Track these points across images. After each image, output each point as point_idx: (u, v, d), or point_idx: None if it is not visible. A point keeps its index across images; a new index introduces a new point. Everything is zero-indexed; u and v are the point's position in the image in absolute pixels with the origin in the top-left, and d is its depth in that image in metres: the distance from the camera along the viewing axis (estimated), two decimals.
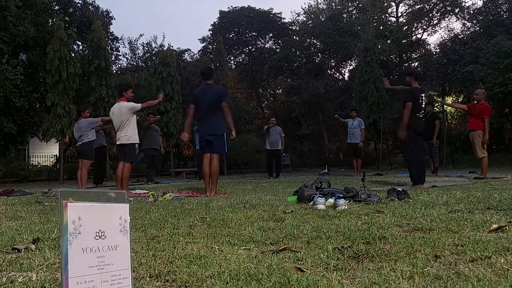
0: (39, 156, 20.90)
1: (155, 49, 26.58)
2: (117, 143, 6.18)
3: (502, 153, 18.17)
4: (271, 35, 30.24)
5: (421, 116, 5.70)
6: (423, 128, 5.75)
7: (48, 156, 21.00)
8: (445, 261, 1.51)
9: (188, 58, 29.47)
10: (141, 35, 49.92)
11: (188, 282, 1.35)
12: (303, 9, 45.44)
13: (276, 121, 11.37)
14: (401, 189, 3.84)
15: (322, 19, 25.61)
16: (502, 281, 1.24)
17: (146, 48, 27.52)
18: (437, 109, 19.03)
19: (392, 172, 11.75)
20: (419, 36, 26.43)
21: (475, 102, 7.62)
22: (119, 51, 24.24)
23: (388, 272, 1.37)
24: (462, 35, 22.68)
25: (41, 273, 1.51)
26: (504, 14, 19.34)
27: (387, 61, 23.74)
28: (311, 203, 3.35)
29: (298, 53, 25.01)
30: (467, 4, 24.10)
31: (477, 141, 7.30)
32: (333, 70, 27.71)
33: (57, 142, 15.49)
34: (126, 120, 6.04)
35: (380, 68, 17.84)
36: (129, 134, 6.09)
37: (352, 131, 10.36)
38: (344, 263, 1.52)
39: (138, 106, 6.14)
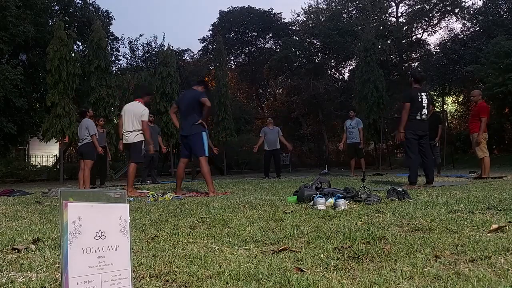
0: (39, 156, 20.93)
1: (155, 49, 26.56)
2: (124, 142, 6.13)
3: (502, 153, 18.16)
4: (271, 35, 30.22)
5: (424, 118, 5.62)
6: (423, 130, 5.67)
7: (48, 156, 21.03)
8: (445, 261, 1.51)
9: (188, 58, 29.48)
10: (141, 35, 49.71)
11: (188, 282, 1.35)
12: (303, 9, 45.33)
13: (276, 121, 11.32)
14: (401, 189, 3.84)
15: (322, 19, 25.56)
16: (502, 281, 1.24)
17: (146, 48, 27.51)
18: (437, 109, 19.00)
19: (392, 172, 11.74)
20: (419, 36, 26.40)
21: (473, 103, 7.61)
22: (119, 51, 24.29)
23: (388, 272, 1.37)
24: (462, 35, 22.66)
25: (41, 273, 1.51)
26: (504, 14, 19.34)
27: (387, 61, 23.71)
28: (311, 203, 3.35)
29: (298, 53, 24.96)
30: (467, 4, 24.04)
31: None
32: (333, 70, 27.66)
33: (57, 142, 15.50)
34: (136, 121, 6.00)
35: (380, 68, 17.81)
36: (136, 133, 6.07)
37: (351, 131, 10.35)
38: (344, 263, 1.52)
39: (145, 120, 5.98)
